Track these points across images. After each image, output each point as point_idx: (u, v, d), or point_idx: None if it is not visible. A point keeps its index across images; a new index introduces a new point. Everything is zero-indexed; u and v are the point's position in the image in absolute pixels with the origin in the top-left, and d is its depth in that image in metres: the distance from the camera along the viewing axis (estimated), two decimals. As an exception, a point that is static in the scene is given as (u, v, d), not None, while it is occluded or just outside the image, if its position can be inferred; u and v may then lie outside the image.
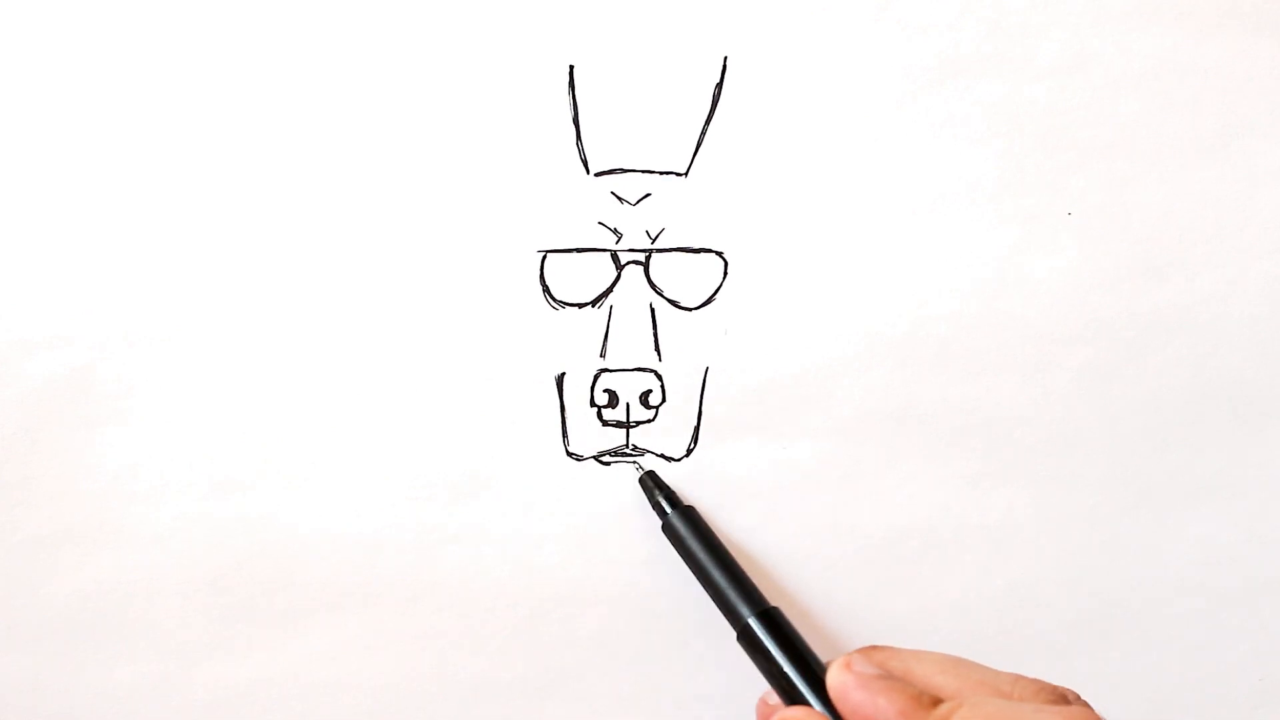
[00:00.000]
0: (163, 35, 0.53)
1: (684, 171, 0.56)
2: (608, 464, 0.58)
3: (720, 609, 0.54)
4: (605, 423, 0.57)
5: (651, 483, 0.57)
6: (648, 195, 0.56)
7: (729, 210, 0.56)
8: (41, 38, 0.53)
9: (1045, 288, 0.57)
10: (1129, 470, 0.59)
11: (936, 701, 0.44)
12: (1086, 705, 0.45)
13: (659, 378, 0.57)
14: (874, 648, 0.48)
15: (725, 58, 0.55)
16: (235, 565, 0.57)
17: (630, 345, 0.57)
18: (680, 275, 0.57)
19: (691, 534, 0.55)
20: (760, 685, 0.52)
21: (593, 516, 0.58)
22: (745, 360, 0.57)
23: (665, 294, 0.57)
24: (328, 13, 0.53)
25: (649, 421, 0.57)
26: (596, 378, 0.57)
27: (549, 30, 0.54)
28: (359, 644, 0.59)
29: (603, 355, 0.57)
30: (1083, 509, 0.59)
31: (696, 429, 0.58)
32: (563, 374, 0.57)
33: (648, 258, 0.56)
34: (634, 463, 0.58)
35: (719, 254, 0.56)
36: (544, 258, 0.56)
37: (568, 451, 0.58)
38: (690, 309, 0.57)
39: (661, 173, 0.56)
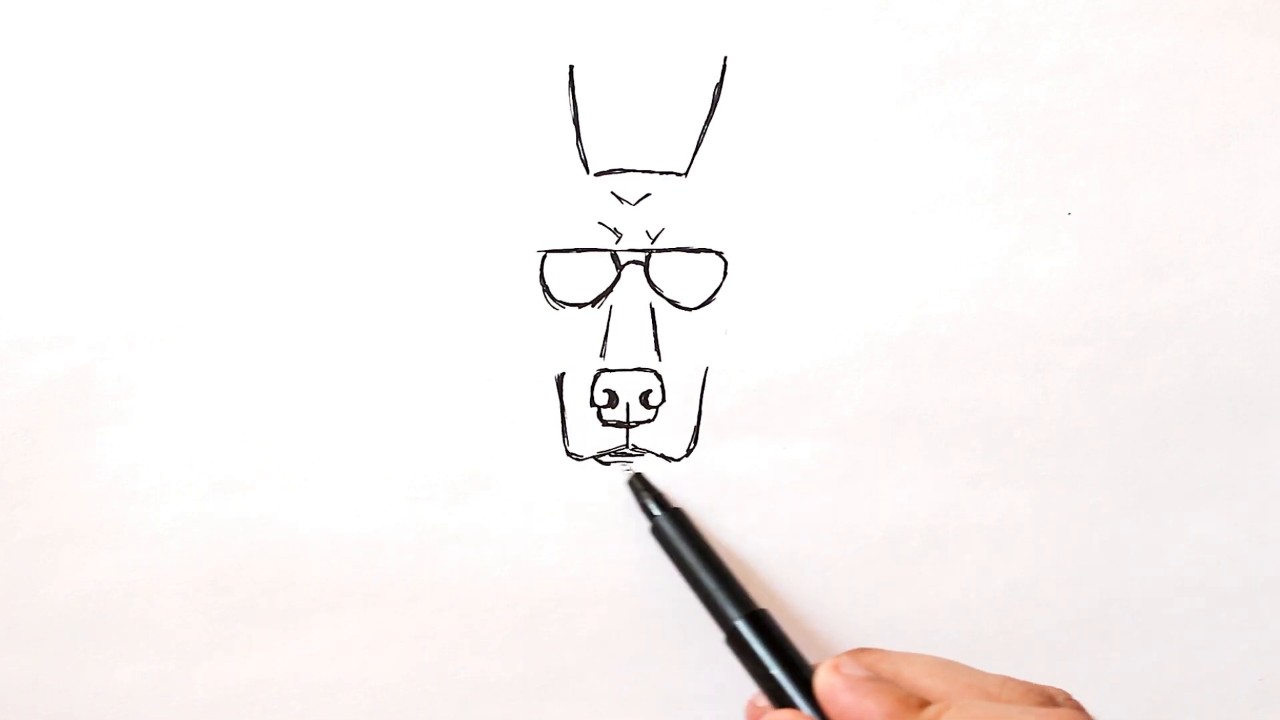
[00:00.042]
0: (163, 35, 0.53)
1: (684, 171, 0.56)
2: (608, 464, 0.58)
3: (708, 611, 0.54)
4: (605, 423, 0.57)
5: (640, 485, 0.57)
6: (648, 195, 0.56)
7: (729, 210, 0.56)
8: (41, 38, 0.53)
9: (1045, 288, 0.57)
10: (1129, 470, 0.59)
11: (924, 704, 0.44)
12: (1077, 707, 0.45)
13: (659, 378, 0.57)
14: (863, 650, 0.48)
15: (725, 58, 0.55)
16: (235, 565, 0.57)
17: (630, 345, 0.57)
18: (680, 275, 0.57)
19: (679, 536, 0.55)
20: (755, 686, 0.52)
21: (593, 517, 0.58)
22: (745, 360, 0.57)
23: (665, 294, 0.57)
24: (327, 13, 0.53)
25: (649, 421, 0.57)
26: (596, 378, 0.57)
27: (549, 30, 0.54)
28: (359, 644, 0.59)
29: (603, 355, 0.57)
30: (1083, 509, 0.59)
31: (696, 429, 0.58)
32: (563, 374, 0.57)
33: (648, 258, 0.56)
34: (630, 463, 0.58)
35: (719, 254, 0.56)
36: (544, 258, 0.56)
37: (568, 451, 0.58)
38: (690, 309, 0.57)
39: (661, 173, 0.56)
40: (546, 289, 0.56)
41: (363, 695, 0.59)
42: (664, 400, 0.57)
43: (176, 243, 0.55)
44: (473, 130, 0.55)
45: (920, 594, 0.59)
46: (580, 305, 0.57)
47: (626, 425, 0.57)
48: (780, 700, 0.50)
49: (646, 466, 0.58)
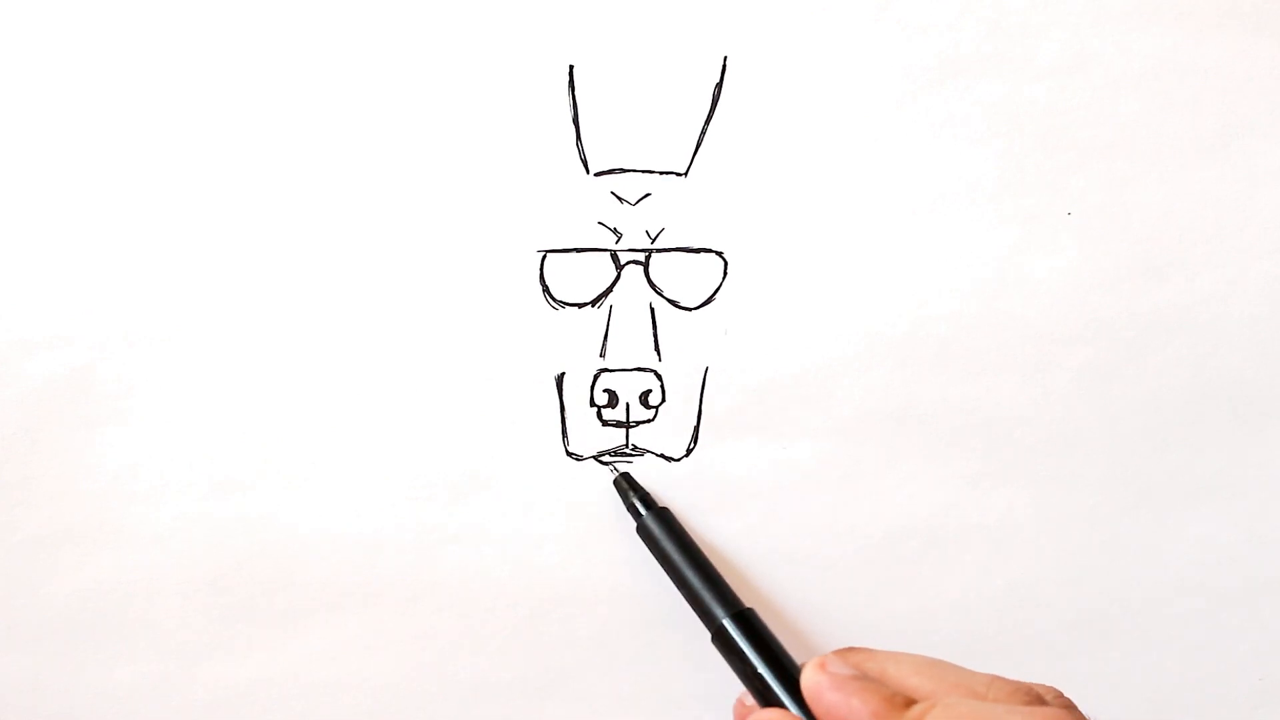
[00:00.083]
0: (163, 36, 0.53)
1: (684, 171, 0.56)
2: (607, 464, 0.58)
3: (695, 611, 0.54)
4: (605, 423, 0.57)
5: (626, 484, 0.57)
6: (647, 195, 0.56)
7: (729, 210, 0.56)
8: (41, 38, 0.53)
9: (1045, 288, 0.57)
10: (1129, 470, 0.59)
11: (910, 702, 0.44)
12: (1067, 704, 0.45)
13: (659, 377, 0.57)
14: (850, 649, 0.47)
15: (725, 58, 0.55)
16: (235, 565, 0.58)
17: (630, 345, 0.57)
18: (680, 275, 0.57)
19: (665, 535, 0.55)
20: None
21: (593, 517, 0.58)
22: (745, 360, 0.57)
23: (665, 294, 0.57)
24: (327, 13, 0.53)
25: (649, 421, 0.57)
26: (596, 377, 0.57)
27: (549, 30, 0.54)
28: (359, 644, 0.59)
29: (602, 355, 0.57)
30: (1083, 509, 0.59)
31: (696, 429, 0.58)
32: (562, 374, 0.57)
33: (647, 257, 0.56)
34: (631, 463, 0.58)
35: (719, 254, 0.56)
36: (544, 257, 0.56)
37: (568, 451, 0.58)
38: (690, 309, 0.57)
39: (661, 173, 0.56)
40: (546, 289, 0.56)
41: (363, 695, 0.59)
42: (664, 400, 0.57)
43: (176, 243, 0.55)
44: (473, 130, 0.55)
45: (920, 594, 0.59)
46: (580, 305, 0.57)
47: (626, 425, 0.57)
48: (767, 699, 0.50)
49: (646, 467, 0.58)
